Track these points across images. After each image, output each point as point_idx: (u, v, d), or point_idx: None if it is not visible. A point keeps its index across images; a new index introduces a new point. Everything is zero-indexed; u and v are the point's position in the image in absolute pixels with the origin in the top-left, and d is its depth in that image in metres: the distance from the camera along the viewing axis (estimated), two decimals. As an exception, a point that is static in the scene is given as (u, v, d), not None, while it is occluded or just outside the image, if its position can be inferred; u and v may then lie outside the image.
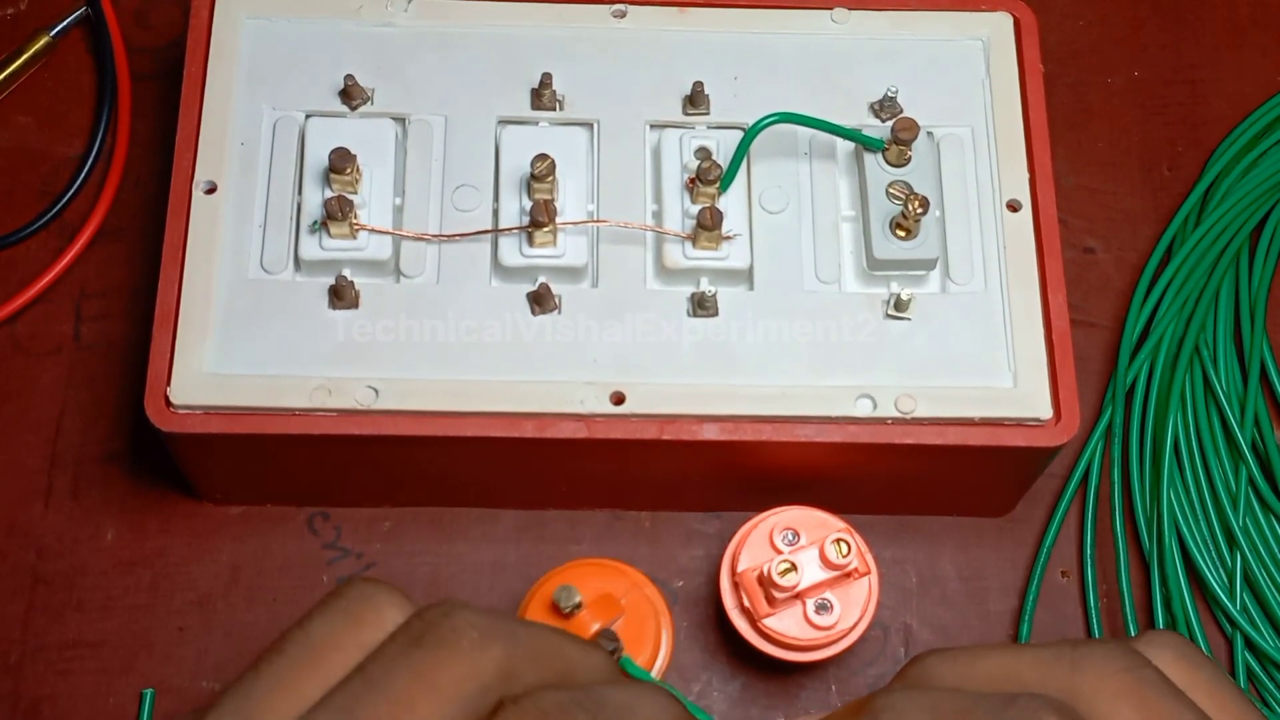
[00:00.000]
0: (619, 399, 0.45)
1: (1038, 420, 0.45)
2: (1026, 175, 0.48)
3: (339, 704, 0.30)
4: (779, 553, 0.45)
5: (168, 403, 0.44)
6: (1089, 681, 0.35)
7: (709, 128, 0.49)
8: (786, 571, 0.44)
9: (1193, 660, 0.37)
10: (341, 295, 0.46)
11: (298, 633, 0.32)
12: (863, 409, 0.45)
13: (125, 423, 0.52)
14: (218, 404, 0.44)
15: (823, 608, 0.44)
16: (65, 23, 0.57)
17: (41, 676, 0.48)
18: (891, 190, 0.47)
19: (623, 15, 0.50)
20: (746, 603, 0.45)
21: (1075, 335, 0.47)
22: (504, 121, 0.49)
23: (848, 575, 0.45)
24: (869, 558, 0.45)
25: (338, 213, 0.45)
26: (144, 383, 0.44)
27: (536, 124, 0.49)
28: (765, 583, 0.44)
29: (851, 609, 0.45)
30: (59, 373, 0.52)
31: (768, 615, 0.45)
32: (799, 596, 0.45)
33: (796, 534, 0.45)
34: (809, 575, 0.44)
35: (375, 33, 0.50)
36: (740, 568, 0.45)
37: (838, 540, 0.44)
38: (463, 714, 0.30)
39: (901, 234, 0.47)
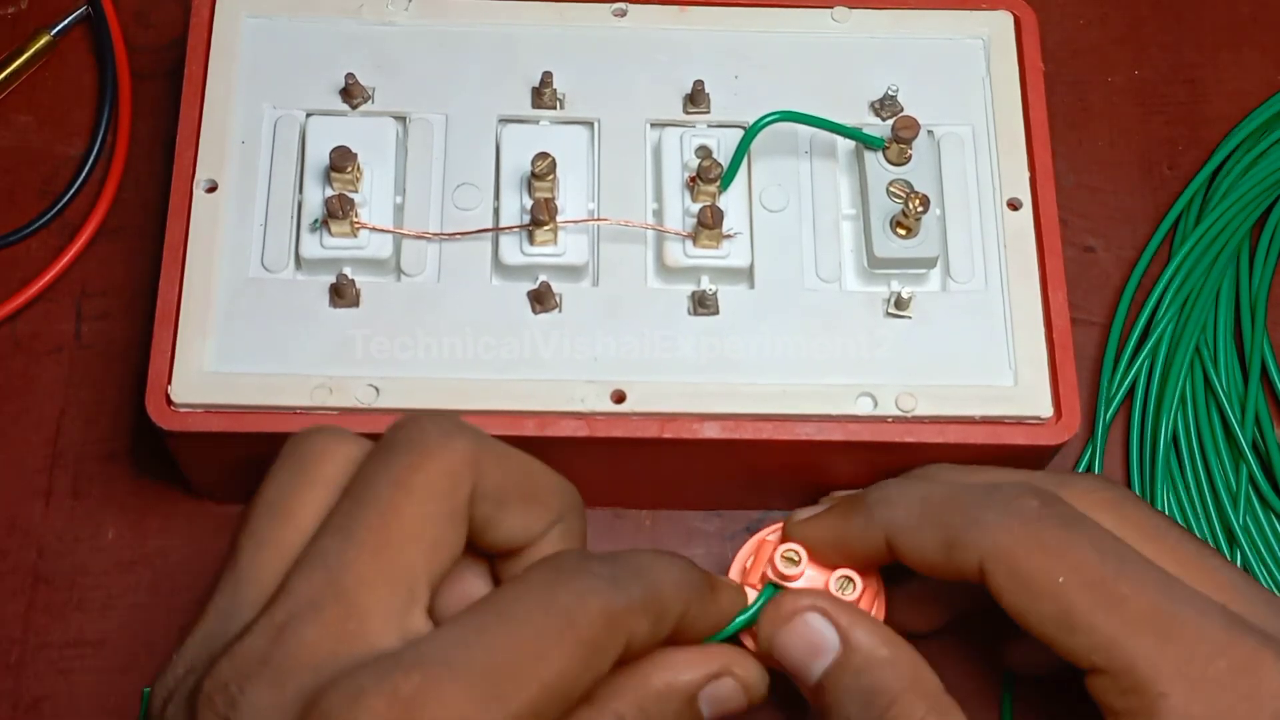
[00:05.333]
0: (619, 397, 0.45)
1: (1038, 418, 0.45)
2: (1027, 174, 0.48)
3: (335, 526, 0.33)
4: (778, 567, 0.42)
5: (169, 401, 0.44)
6: (1073, 496, 0.40)
7: (709, 126, 0.49)
8: (791, 560, 0.41)
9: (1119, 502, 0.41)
10: (342, 294, 0.46)
11: (257, 503, 0.34)
12: (863, 407, 0.45)
13: (126, 422, 0.52)
14: (219, 402, 0.44)
15: None
16: (66, 22, 0.57)
17: (42, 675, 0.48)
18: (892, 189, 0.47)
19: (623, 14, 0.50)
20: (748, 563, 0.43)
21: (1075, 334, 0.47)
22: (504, 120, 0.49)
23: None
24: (881, 602, 0.42)
25: (338, 211, 0.45)
26: (145, 381, 0.44)
27: (537, 122, 0.49)
28: (765, 561, 0.42)
29: None
30: (59, 372, 0.52)
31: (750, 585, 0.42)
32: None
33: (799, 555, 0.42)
34: (809, 578, 0.42)
35: (376, 31, 0.50)
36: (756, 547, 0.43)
37: (843, 578, 0.42)
38: (444, 511, 0.33)
39: (902, 232, 0.47)
